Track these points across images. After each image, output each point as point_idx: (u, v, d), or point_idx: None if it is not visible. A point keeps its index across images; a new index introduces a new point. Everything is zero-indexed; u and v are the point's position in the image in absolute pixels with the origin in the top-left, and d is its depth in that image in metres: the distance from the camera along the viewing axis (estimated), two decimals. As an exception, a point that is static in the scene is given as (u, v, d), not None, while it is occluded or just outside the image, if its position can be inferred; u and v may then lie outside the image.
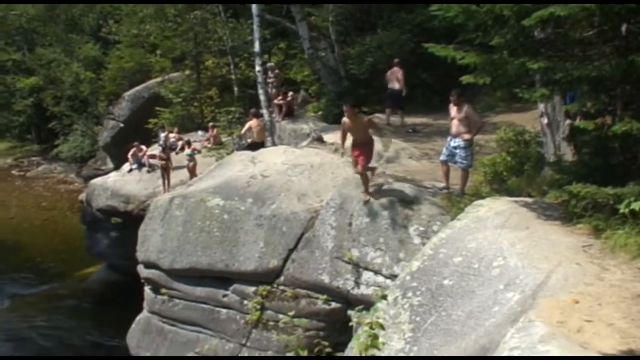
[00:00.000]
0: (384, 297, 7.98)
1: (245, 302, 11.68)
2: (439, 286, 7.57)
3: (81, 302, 19.37)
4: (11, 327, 18.22)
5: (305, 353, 6.85)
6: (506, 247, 7.47)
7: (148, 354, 12.80)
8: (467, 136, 10.85)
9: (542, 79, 8.47)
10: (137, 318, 13.68)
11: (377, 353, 6.03)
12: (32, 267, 22.19)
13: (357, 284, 10.69)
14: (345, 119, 11.19)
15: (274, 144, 16.70)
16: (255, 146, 16.09)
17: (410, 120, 17.13)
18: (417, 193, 11.40)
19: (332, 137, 14.57)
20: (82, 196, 22.47)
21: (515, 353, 5.62)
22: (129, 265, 15.21)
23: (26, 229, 26.69)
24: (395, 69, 16.55)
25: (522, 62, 7.67)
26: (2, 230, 26.26)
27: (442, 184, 11.66)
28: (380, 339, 6.30)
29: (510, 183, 11.12)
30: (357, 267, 10.74)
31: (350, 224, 11.17)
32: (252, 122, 17.05)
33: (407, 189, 11.57)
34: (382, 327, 6.41)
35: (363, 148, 11.08)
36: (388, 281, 10.00)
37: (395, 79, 16.51)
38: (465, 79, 8.47)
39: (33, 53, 39.27)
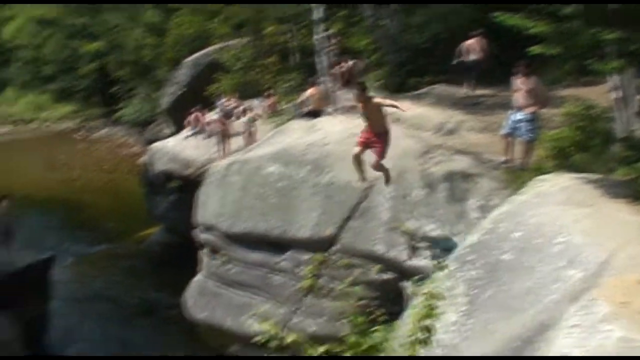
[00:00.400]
0: (441, 268, 7.93)
1: (300, 268, 11.74)
2: (498, 260, 7.43)
3: (139, 263, 19.80)
4: (73, 285, 18.78)
5: (360, 320, 6.84)
6: (569, 223, 7.26)
7: (204, 314, 13.02)
8: (533, 108, 10.55)
9: (615, 51, 8.13)
10: (194, 280, 13.92)
11: (433, 323, 5.98)
12: (93, 226, 22.81)
13: (412, 255, 10.60)
14: (358, 104, 10.43)
15: (332, 113, 16.60)
16: (313, 114, 16.03)
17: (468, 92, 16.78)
18: (477, 166, 11.21)
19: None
20: (142, 160, 22.86)
21: (576, 331, 5.49)
22: (186, 229, 15.45)
23: (89, 190, 27.39)
24: (476, 40, 16.15)
25: (595, 32, 7.37)
26: (66, 191, 27.02)
27: (503, 158, 11.41)
28: (437, 310, 6.25)
29: (575, 159, 10.79)
30: (413, 238, 10.64)
31: (407, 195, 11.07)
32: (311, 90, 16.97)
33: (467, 162, 11.38)
34: (439, 297, 6.36)
35: (379, 137, 10.23)
36: (444, 253, 9.88)
37: (474, 49, 16.13)
38: (534, 49, 8.20)
39: (97, 18, 39.91)
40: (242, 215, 12.63)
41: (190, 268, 14.39)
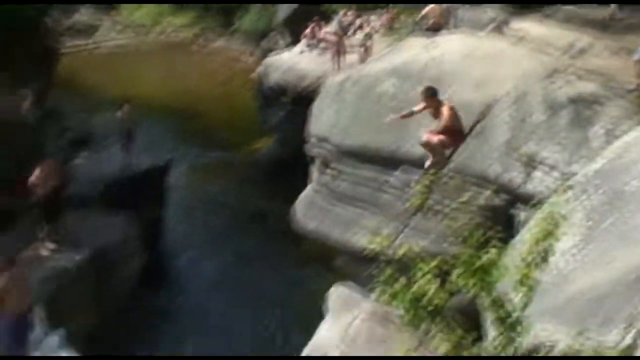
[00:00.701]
0: (560, 193, 7.69)
1: (410, 186, 11.67)
2: (622, 189, 7.10)
3: (251, 173, 20.38)
4: (187, 191, 19.61)
5: (475, 237, 6.77)
6: None
7: (312, 227, 13.28)
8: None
9: None
10: (303, 193, 14.16)
11: (550, 246, 5.85)
12: (208, 136, 23.51)
13: (528, 180, 10.28)
14: (423, 104, 10.59)
15: (453, 30, 16.10)
16: (433, 30, 15.61)
17: (602, 13, 15.72)
18: (606, 91, 10.62)
19: (517, 25, 13.79)
20: (257, 72, 23.13)
21: None
22: (297, 142, 15.64)
23: (204, 101, 28.12)
24: None
25: None
26: (182, 100, 27.86)
27: (634, 84, 10.77)
28: (554, 234, 6.10)
29: None
30: (530, 162, 10.29)
31: (527, 118, 10.67)
32: (432, 6, 16.49)
33: (595, 86, 10.81)
34: (557, 222, 6.19)
35: (446, 133, 10.48)
36: (563, 179, 9.54)
37: None
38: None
39: None
40: (355, 130, 12.62)
41: (300, 181, 14.65)
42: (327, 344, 11.65)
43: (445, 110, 10.44)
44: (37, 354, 10.20)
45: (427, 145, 10.81)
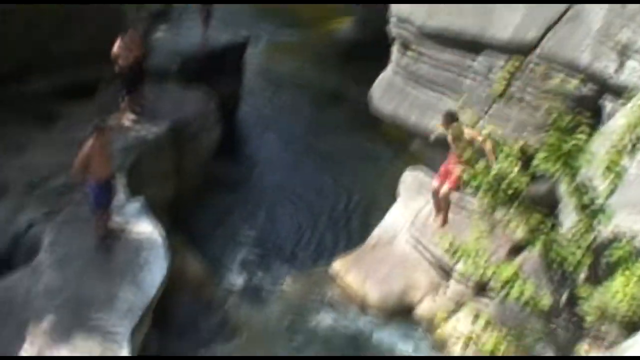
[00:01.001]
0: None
1: (493, 72, 11.28)
2: None
3: (329, 53, 20.11)
4: (263, 68, 19.61)
5: (559, 123, 6.50)
6: None
7: (389, 109, 13.12)
8: None
9: None
10: (382, 75, 13.90)
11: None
12: (286, 14, 23.09)
13: (621, 70, 9.75)
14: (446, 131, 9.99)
15: None
16: None
17: None
18: None
19: None
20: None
21: None
22: (378, 22, 15.21)
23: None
24: None
25: None
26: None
27: None
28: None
29: None
30: (625, 51, 9.73)
31: (626, 4, 10.02)
32: None
33: None
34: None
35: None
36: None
37: None
38: None
39: None
40: (438, 12, 12.11)
41: (378, 62, 14.34)
42: (397, 227, 11.84)
43: (466, 139, 9.82)
44: (118, 219, 10.63)
45: (437, 193, 10.46)
